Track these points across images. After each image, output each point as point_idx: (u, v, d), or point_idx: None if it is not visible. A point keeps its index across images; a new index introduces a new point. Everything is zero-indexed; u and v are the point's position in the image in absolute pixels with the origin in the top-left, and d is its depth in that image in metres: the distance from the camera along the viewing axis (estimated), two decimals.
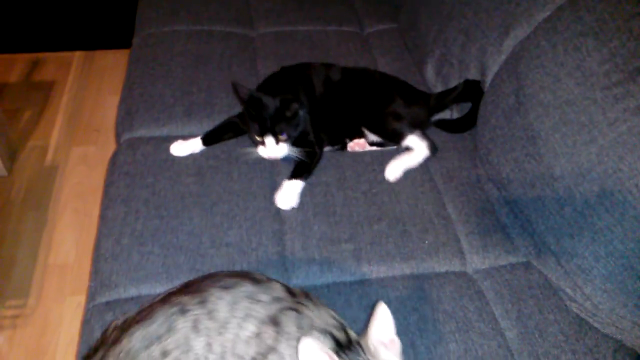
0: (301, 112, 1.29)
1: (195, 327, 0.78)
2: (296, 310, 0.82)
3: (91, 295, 1.10)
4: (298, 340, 0.73)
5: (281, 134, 1.25)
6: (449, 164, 1.39)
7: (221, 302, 0.80)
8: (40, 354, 1.54)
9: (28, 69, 2.57)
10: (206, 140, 1.36)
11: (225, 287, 0.82)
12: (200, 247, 1.15)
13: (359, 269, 1.16)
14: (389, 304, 1.06)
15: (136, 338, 0.79)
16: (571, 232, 1.06)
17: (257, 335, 0.79)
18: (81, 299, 1.65)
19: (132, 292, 1.08)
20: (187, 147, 1.34)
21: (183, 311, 0.79)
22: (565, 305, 1.10)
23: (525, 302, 1.11)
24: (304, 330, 0.80)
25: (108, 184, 1.31)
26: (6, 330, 1.59)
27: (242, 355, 0.79)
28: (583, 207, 1.03)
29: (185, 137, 1.37)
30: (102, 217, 1.23)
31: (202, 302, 0.80)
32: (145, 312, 0.82)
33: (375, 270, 1.16)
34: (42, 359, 1.53)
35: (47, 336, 1.57)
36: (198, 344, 0.78)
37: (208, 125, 1.42)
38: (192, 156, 1.34)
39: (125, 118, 1.47)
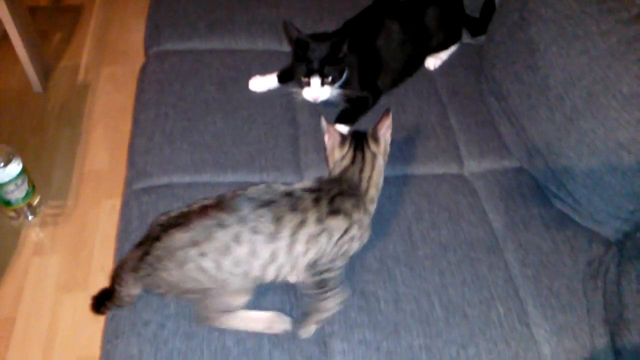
0: (352, 58, 1.31)
1: (237, 238, 0.90)
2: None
3: (128, 183, 1.25)
4: None
5: (327, 76, 1.26)
6: (454, 79, 1.49)
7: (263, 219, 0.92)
8: (79, 248, 1.72)
9: None
10: (281, 78, 1.40)
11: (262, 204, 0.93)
12: (224, 146, 1.28)
13: None
14: (390, 198, 1.21)
15: (173, 239, 0.91)
16: (559, 135, 1.16)
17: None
18: (115, 201, 1.81)
19: (164, 180, 1.23)
20: (264, 83, 1.40)
21: (222, 225, 0.90)
22: (550, 202, 1.22)
23: (514, 199, 1.23)
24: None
25: (139, 92, 1.43)
26: (49, 226, 1.77)
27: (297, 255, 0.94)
28: (571, 112, 1.13)
29: (207, 52, 1.48)
30: (135, 120, 1.37)
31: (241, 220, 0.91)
32: (182, 218, 0.93)
33: None
34: (80, 252, 1.71)
35: (86, 233, 1.76)
36: (240, 250, 0.90)
37: (230, 41, 1.53)
38: (214, 67, 1.45)
39: (153, 33, 1.58)
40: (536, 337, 1.05)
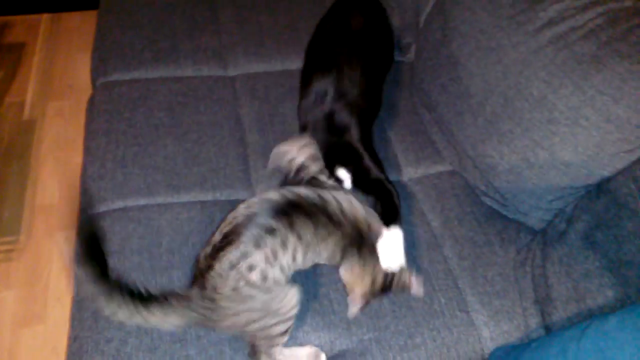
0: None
1: (283, 244, 0.96)
2: None
3: (82, 210, 1.28)
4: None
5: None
6: (389, 95, 1.59)
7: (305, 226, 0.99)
8: (34, 281, 1.72)
9: None
10: None
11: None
12: (175, 168, 1.34)
13: None
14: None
15: (225, 261, 0.94)
16: (483, 138, 1.28)
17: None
18: (68, 233, 1.82)
19: (119, 204, 1.27)
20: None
21: (271, 231, 0.96)
22: (480, 200, 1.34)
23: (448, 199, 1.34)
24: None
25: (89, 121, 1.48)
26: (2, 263, 1.76)
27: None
28: (491, 116, 1.26)
29: (154, 80, 1.54)
30: (86, 148, 1.40)
31: (291, 225, 0.97)
32: (230, 237, 0.96)
33: None
34: (36, 285, 1.71)
35: (40, 266, 1.75)
36: (285, 257, 0.97)
37: (175, 69, 1.60)
38: (162, 93, 1.51)
39: (99, 64, 1.63)
40: (475, 322, 1.14)
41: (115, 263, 1.14)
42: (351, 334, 1.09)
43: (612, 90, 1.04)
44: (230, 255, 0.94)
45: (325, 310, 1.12)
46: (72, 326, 1.09)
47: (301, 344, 1.08)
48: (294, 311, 1.01)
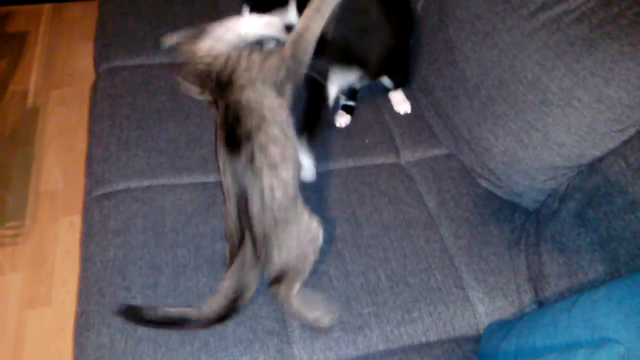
0: None
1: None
2: None
3: (88, 192, 1.31)
4: None
5: None
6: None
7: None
8: (39, 265, 1.75)
9: None
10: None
11: None
12: (178, 150, 1.37)
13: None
14: (335, 188, 1.32)
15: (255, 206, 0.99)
16: (478, 120, 1.31)
17: None
18: (72, 218, 1.86)
19: (123, 185, 1.30)
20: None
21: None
22: (476, 182, 1.37)
23: (445, 181, 1.37)
24: None
25: (92, 106, 1.50)
26: (8, 247, 1.80)
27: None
28: (487, 99, 1.29)
29: (156, 66, 1.56)
30: (90, 132, 1.43)
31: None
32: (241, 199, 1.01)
33: (324, 165, 1.40)
34: (41, 268, 1.75)
35: (45, 250, 1.79)
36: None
37: (176, 55, 1.62)
38: (163, 78, 1.53)
39: (102, 51, 1.66)
40: (471, 299, 1.18)
41: (121, 242, 1.17)
42: (351, 307, 1.13)
43: (603, 71, 1.07)
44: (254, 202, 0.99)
45: (325, 286, 1.15)
46: (79, 301, 1.12)
47: None
48: (320, 240, 1.08)
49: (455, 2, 1.41)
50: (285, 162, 1.02)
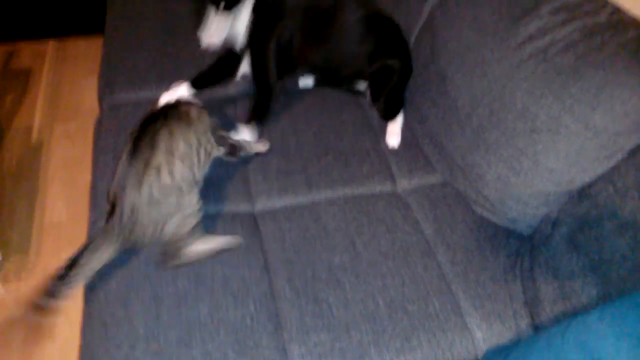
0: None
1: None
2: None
3: (92, 224, 1.34)
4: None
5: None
6: None
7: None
8: None
9: (4, 59, 2.75)
10: (196, 83, 1.56)
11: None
12: None
13: (309, 193, 1.43)
14: (333, 216, 1.35)
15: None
16: (471, 148, 1.35)
17: None
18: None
19: None
20: (175, 95, 1.53)
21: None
22: (471, 208, 1.40)
23: (441, 208, 1.40)
24: None
25: (97, 139, 1.55)
26: (12, 282, 1.81)
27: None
28: (478, 127, 1.33)
29: (158, 100, 1.61)
30: (95, 164, 1.47)
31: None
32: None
33: (323, 194, 1.43)
34: None
35: None
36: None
37: None
38: None
39: (106, 86, 1.71)
40: (469, 325, 1.19)
41: (123, 273, 1.20)
42: (350, 336, 1.14)
43: (589, 99, 1.11)
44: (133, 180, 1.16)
45: (324, 313, 1.17)
46: (83, 335, 1.14)
47: (300, 345, 1.13)
48: (200, 204, 1.25)
49: (447, 35, 1.47)
50: (185, 158, 1.21)
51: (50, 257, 1.89)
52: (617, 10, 1.23)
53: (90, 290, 1.20)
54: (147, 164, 1.16)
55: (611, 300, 1.00)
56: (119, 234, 1.16)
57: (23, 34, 2.83)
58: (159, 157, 1.17)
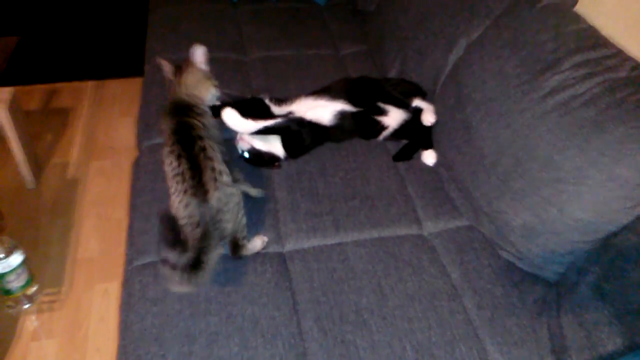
0: None
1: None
2: None
3: (129, 261, 1.40)
4: None
5: None
6: None
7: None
8: (74, 331, 1.82)
9: (46, 98, 2.89)
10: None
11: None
12: None
13: (337, 234, 1.47)
14: (360, 258, 1.39)
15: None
16: (497, 195, 1.38)
17: None
18: (107, 285, 1.95)
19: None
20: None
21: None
22: (497, 253, 1.42)
23: (467, 252, 1.43)
24: None
25: (134, 180, 1.62)
26: (45, 313, 1.87)
27: None
28: (504, 175, 1.36)
29: None
30: (132, 205, 1.54)
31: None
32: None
33: (350, 235, 1.47)
34: (76, 335, 1.81)
35: (80, 316, 1.86)
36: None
37: None
38: None
39: (145, 129, 1.80)
40: None
41: (158, 310, 1.24)
42: None
43: (612, 151, 1.15)
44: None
45: (351, 355, 1.19)
46: None
47: None
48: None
49: (471, 86, 1.52)
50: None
51: (81, 291, 1.95)
52: (638, 66, 1.27)
53: (126, 326, 1.24)
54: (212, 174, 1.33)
55: (637, 349, 1.01)
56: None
57: (64, 76, 2.99)
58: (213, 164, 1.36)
